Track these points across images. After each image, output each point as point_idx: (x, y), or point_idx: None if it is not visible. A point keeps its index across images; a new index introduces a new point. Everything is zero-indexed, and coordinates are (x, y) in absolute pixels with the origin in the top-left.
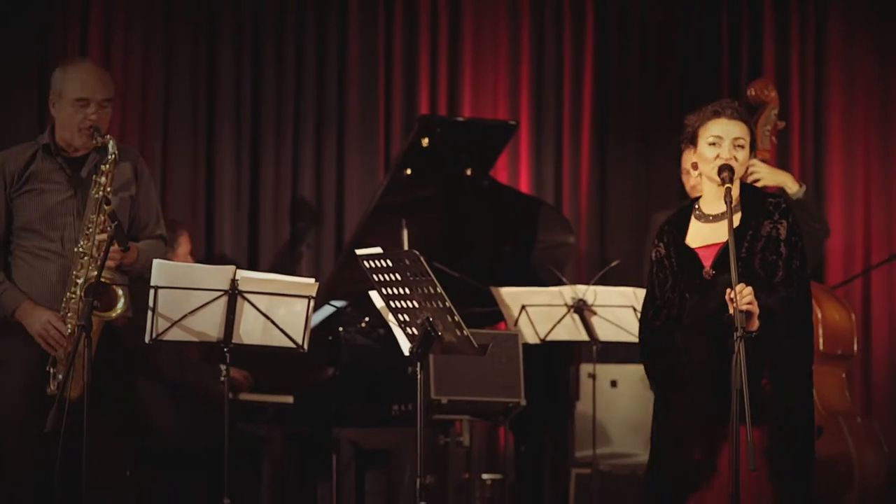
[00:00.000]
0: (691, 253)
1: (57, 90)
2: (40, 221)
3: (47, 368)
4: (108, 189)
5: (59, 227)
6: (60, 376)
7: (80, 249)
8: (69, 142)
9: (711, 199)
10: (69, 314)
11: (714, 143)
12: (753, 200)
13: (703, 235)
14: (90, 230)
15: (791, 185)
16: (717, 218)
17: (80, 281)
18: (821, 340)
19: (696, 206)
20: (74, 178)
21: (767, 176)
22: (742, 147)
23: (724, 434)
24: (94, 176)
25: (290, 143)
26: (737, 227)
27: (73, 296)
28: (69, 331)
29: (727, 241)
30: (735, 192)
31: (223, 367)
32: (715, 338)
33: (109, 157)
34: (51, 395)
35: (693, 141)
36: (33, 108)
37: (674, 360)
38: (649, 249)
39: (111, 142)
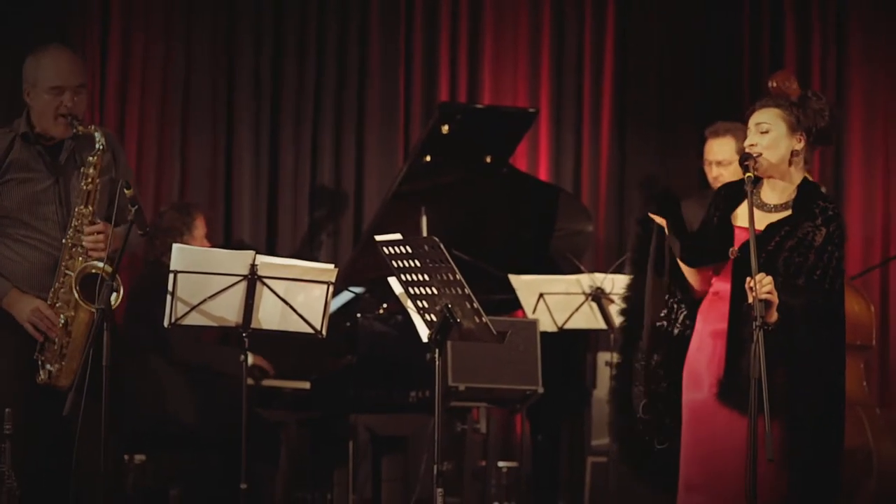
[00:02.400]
0: (730, 229)
1: (31, 79)
2: (23, 210)
3: (35, 356)
4: (97, 180)
5: (42, 215)
6: (49, 365)
7: (69, 241)
8: (46, 130)
9: (767, 189)
10: (59, 304)
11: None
12: (806, 198)
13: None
14: (79, 222)
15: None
16: (772, 208)
17: (69, 272)
18: None
19: (757, 189)
20: (54, 165)
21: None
22: (766, 132)
23: (741, 416)
24: (77, 166)
25: (309, 129)
26: (774, 222)
27: (63, 286)
28: (61, 322)
29: (761, 230)
30: (790, 185)
31: (243, 353)
32: (733, 318)
33: (98, 147)
34: (41, 383)
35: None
36: None
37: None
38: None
39: (98, 132)
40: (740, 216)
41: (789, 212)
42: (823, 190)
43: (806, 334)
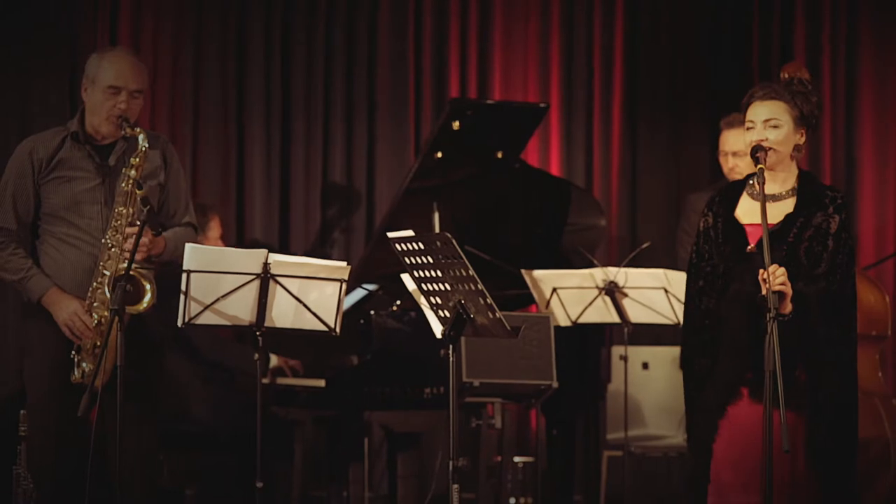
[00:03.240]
0: (739, 227)
1: (91, 76)
2: (67, 209)
3: (71, 355)
4: (137, 181)
5: (86, 214)
6: (84, 364)
7: (108, 241)
8: (97, 128)
9: (766, 180)
10: (95, 304)
11: (750, 128)
12: (811, 188)
13: (755, 212)
14: (119, 222)
15: None
16: (770, 198)
17: (107, 272)
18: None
19: (751, 182)
20: (102, 166)
21: None
22: (777, 127)
23: (754, 415)
24: (123, 168)
25: (320, 126)
26: (790, 213)
27: (100, 286)
28: (95, 321)
29: (777, 224)
30: (791, 176)
31: (257, 352)
32: (754, 311)
33: (140, 149)
34: (75, 382)
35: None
36: (63, 95)
37: (715, 330)
38: (683, 230)
39: (142, 135)
40: (744, 214)
41: (794, 199)
42: None
43: (822, 323)
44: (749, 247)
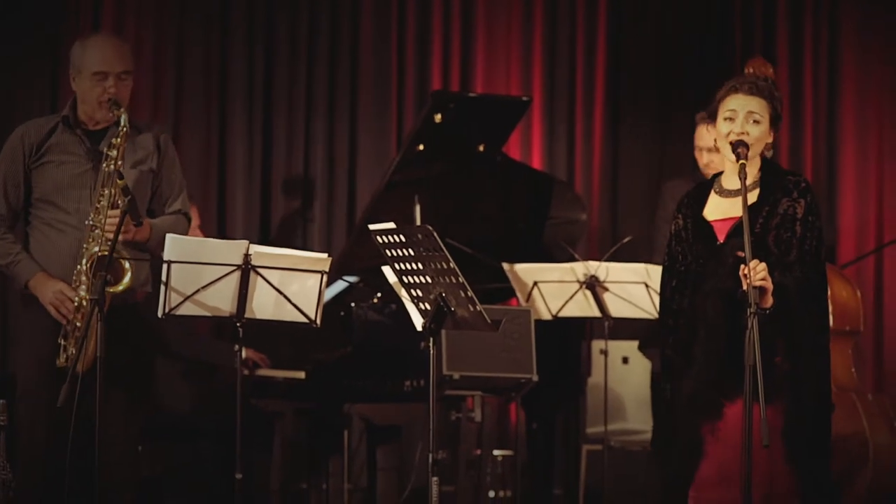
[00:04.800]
0: (707, 226)
1: (76, 65)
2: (56, 193)
3: (59, 340)
4: (120, 162)
5: (75, 199)
6: (71, 349)
7: (91, 222)
8: (90, 115)
9: (729, 174)
10: (80, 286)
11: (729, 118)
12: (773, 177)
13: (722, 209)
14: (101, 203)
15: None
16: (735, 193)
17: (88, 252)
18: (831, 317)
19: (717, 181)
20: (93, 151)
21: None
22: (758, 122)
23: (729, 409)
24: (104, 149)
25: (302, 119)
26: (754, 203)
27: (83, 268)
28: (76, 302)
29: (741, 217)
30: (754, 168)
31: (237, 343)
32: (729, 306)
33: (120, 130)
34: (60, 366)
35: (714, 117)
36: (46, 94)
37: (690, 326)
38: (660, 217)
39: (124, 115)
40: (711, 212)
41: (757, 190)
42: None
43: (803, 313)
44: (737, 252)
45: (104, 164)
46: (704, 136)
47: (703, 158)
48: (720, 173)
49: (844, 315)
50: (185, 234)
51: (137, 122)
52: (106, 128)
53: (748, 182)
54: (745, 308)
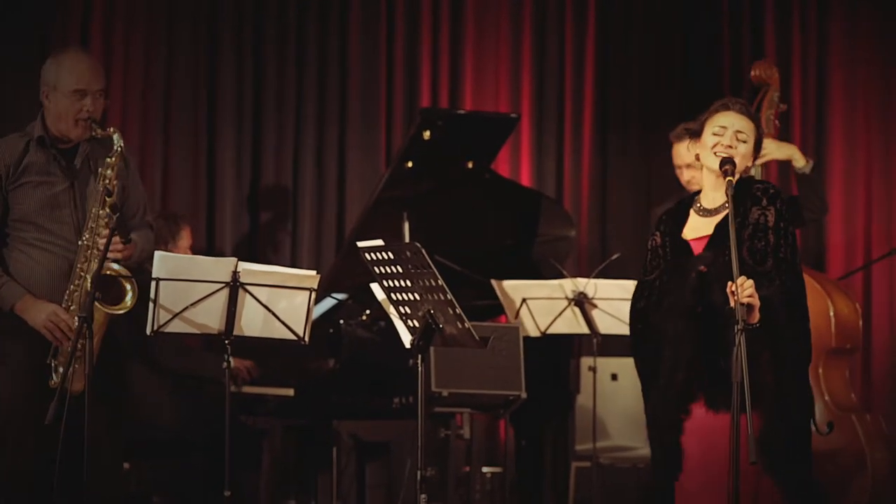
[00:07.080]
0: (685, 245)
1: (51, 82)
2: (38, 213)
3: (48, 361)
4: (115, 182)
5: (57, 218)
6: (62, 369)
7: (85, 242)
8: (65, 133)
9: (709, 191)
10: (73, 307)
11: (717, 133)
12: (741, 187)
13: (699, 228)
14: (95, 223)
15: (799, 159)
16: (715, 211)
17: (84, 274)
18: (833, 335)
19: (697, 199)
20: (69, 168)
21: (774, 150)
22: (744, 141)
23: (713, 423)
24: (96, 169)
25: (291, 136)
26: (725, 216)
27: (77, 289)
28: (74, 324)
29: (713, 230)
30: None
31: (226, 359)
32: (692, 322)
33: (116, 150)
34: (53, 387)
35: (698, 134)
36: (34, 107)
37: (654, 344)
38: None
39: (116, 135)
40: (689, 231)
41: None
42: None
43: (787, 323)
44: (700, 267)
45: (98, 184)
46: (683, 153)
47: (685, 176)
48: (699, 192)
49: (846, 332)
50: (153, 242)
51: (103, 136)
52: (76, 145)
53: (723, 201)
54: (707, 322)
